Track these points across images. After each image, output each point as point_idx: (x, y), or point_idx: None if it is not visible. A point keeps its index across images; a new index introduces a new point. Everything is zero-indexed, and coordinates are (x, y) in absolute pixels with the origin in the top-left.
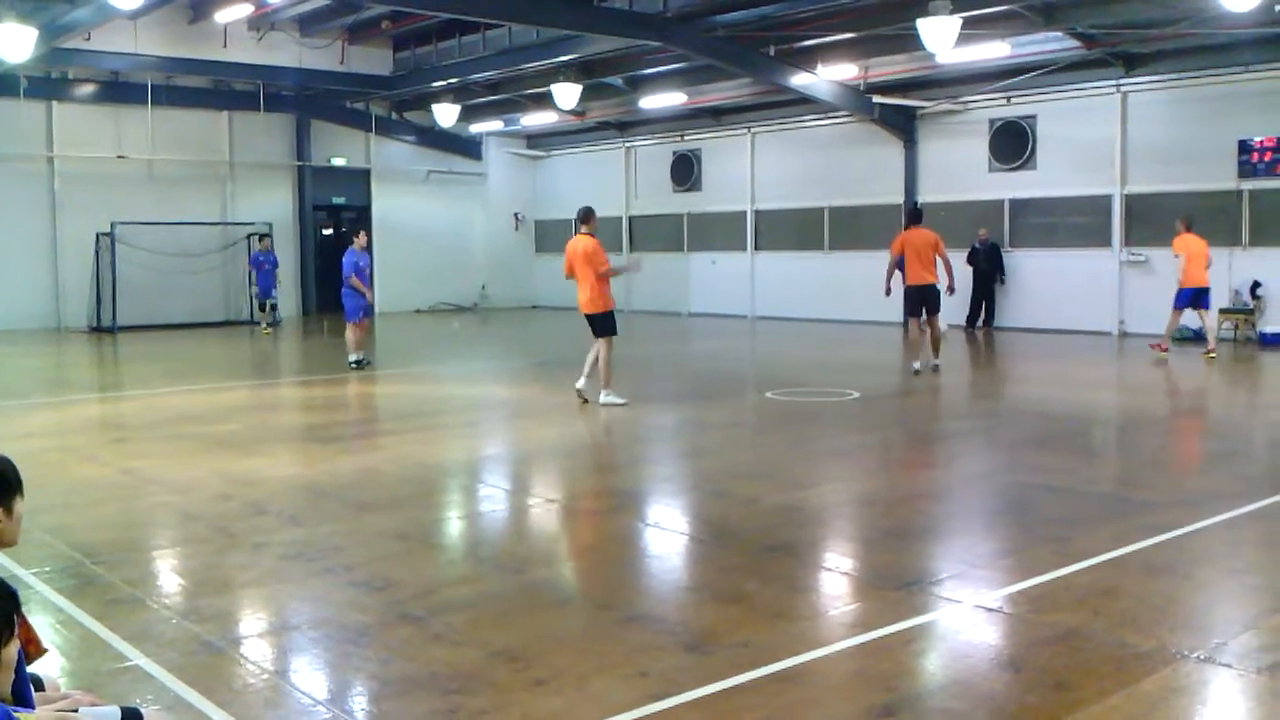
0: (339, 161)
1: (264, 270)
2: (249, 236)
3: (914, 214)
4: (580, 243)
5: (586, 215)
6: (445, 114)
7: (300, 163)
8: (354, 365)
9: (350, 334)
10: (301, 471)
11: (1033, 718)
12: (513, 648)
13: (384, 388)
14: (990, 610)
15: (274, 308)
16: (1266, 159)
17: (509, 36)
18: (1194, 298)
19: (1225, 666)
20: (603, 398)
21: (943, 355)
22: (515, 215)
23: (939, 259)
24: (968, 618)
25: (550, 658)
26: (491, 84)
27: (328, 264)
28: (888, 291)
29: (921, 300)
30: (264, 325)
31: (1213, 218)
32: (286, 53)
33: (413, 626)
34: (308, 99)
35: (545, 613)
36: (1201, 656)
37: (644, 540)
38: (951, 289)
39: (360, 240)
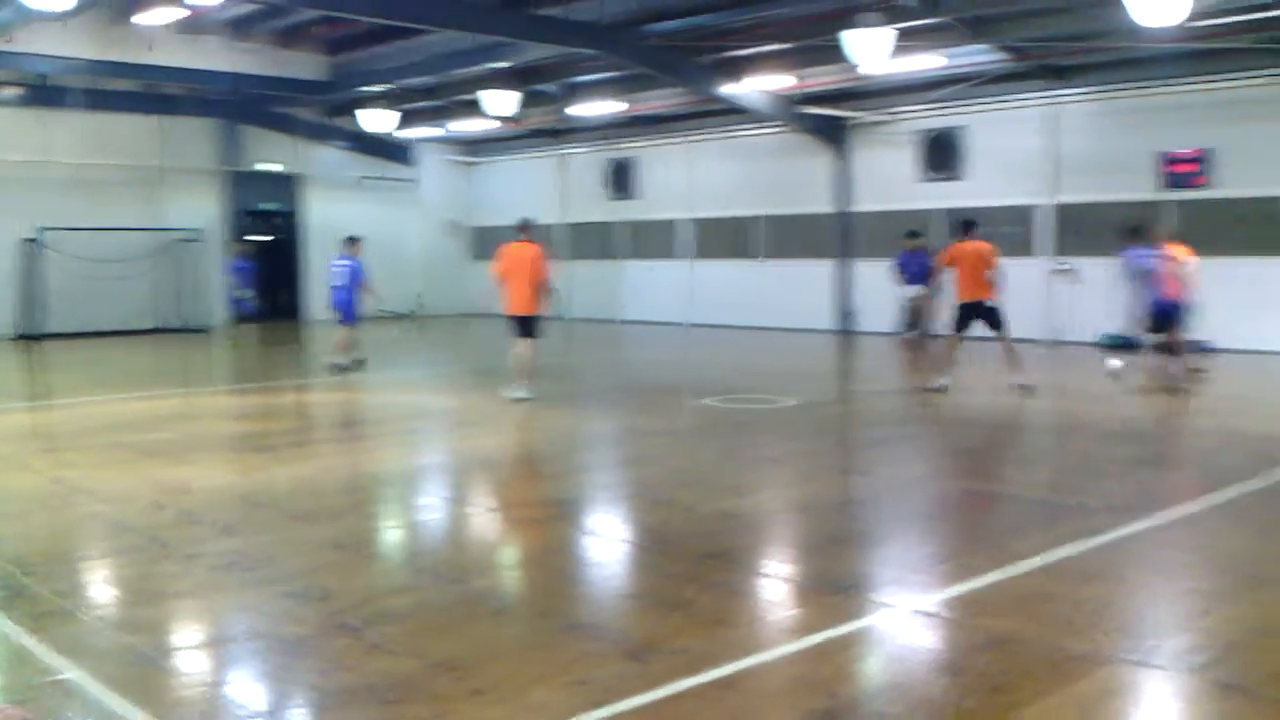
0: (270, 167)
1: (242, 276)
2: (183, 241)
3: (966, 225)
4: (525, 249)
5: (526, 225)
6: (378, 119)
7: (231, 168)
8: (346, 368)
9: (351, 335)
10: (237, 481)
11: None
12: (452, 657)
13: (321, 395)
14: (928, 615)
15: (247, 317)
16: (1187, 170)
17: (443, 42)
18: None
19: (1158, 668)
20: (517, 392)
21: (884, 367)
22: (450, 222)
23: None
24: (905, 622)
25: (490, 667)
26: (426, 90)
27: (261, 269)
28: (933, 303)
29: (973, 317)
30: (244, 336)
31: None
32: (217, 57)
33: (350, 637)
34: (239, 103)
35: (485, 622)
36: (1135, 659)
37: (583, 548)
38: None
39: (353, 248)
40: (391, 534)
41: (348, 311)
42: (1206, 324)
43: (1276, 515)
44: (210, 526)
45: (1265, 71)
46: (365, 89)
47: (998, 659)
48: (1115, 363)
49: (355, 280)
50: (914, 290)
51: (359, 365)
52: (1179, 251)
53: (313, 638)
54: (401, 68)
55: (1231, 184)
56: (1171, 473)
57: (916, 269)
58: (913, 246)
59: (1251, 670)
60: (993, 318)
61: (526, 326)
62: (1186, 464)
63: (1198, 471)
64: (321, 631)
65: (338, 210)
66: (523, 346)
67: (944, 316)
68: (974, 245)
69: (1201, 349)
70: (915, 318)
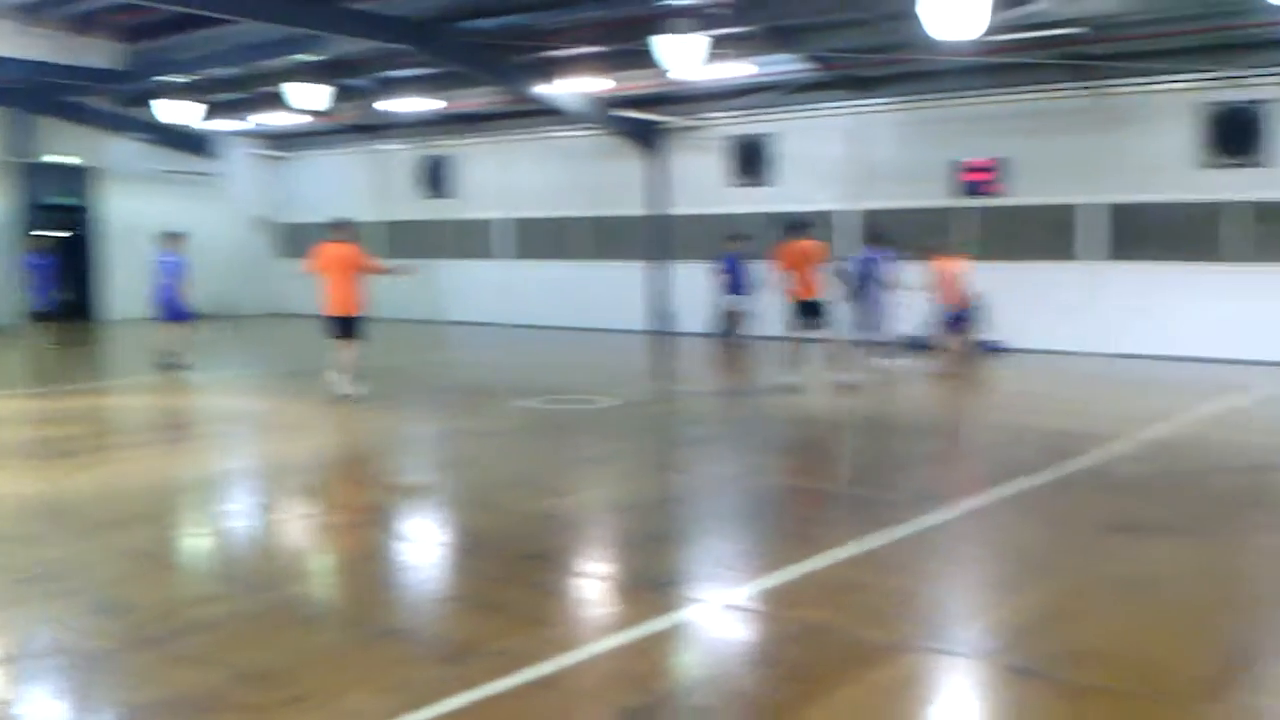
0: (63, 159)
1: (40, 273)
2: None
3: (795, 227)
4: (341, 249)
5: (341, 224)
6: (181, 111)
7: (21, 159)
8: (171, 367)
9: (177, 334)
10: (38, 488)
11: (780, 711)
12: (263, 667)
13: (127, 399)
14: (740, 609)
15: (45, 315)
16: (980, 179)
17: (249, 32)
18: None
19: (953, 655)
20: (347, 388)
21: (701, 367)
22: (258, 218)
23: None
24: (719, 616)
25: (303, 675)
26: (232, 81)
27: (58, 266)
28: (782, 301)
29: (808, 314)
30: (50, 337)
31: (934, 234)
32: (8, 43)
33: (156, 649)
34: (29, 92)
35: (298, 630)
36: (935, 646)
37: (401, 552)
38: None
39: (177, 243)
40: (201, 542)
41: (174, 309)
42: (1001, 325)
43: (1062, 507)
44: (8, 538)
45: (1056, 85)
46: (166, 79)
47: (807, 649)
48: (895, 362)
49: (181, 277)
50: (731, 300)
51: (186, 367)
52: (952, 262)
53: (117, 651)
54: (205, 58)
55: (1024, 192)
56: (968, 467)
57: (737, 275)
58: (734, 250)
59: (1040, 654)
60: (820, 315)
61: (347, 327)
62: (982, 459)
63: (992, 466)
64: (126, 644)
65: (138, 205)
66: (345, 348)
67: (775, 318)
68: (803, 245)
69: (994, 349)
70: (731, 323)
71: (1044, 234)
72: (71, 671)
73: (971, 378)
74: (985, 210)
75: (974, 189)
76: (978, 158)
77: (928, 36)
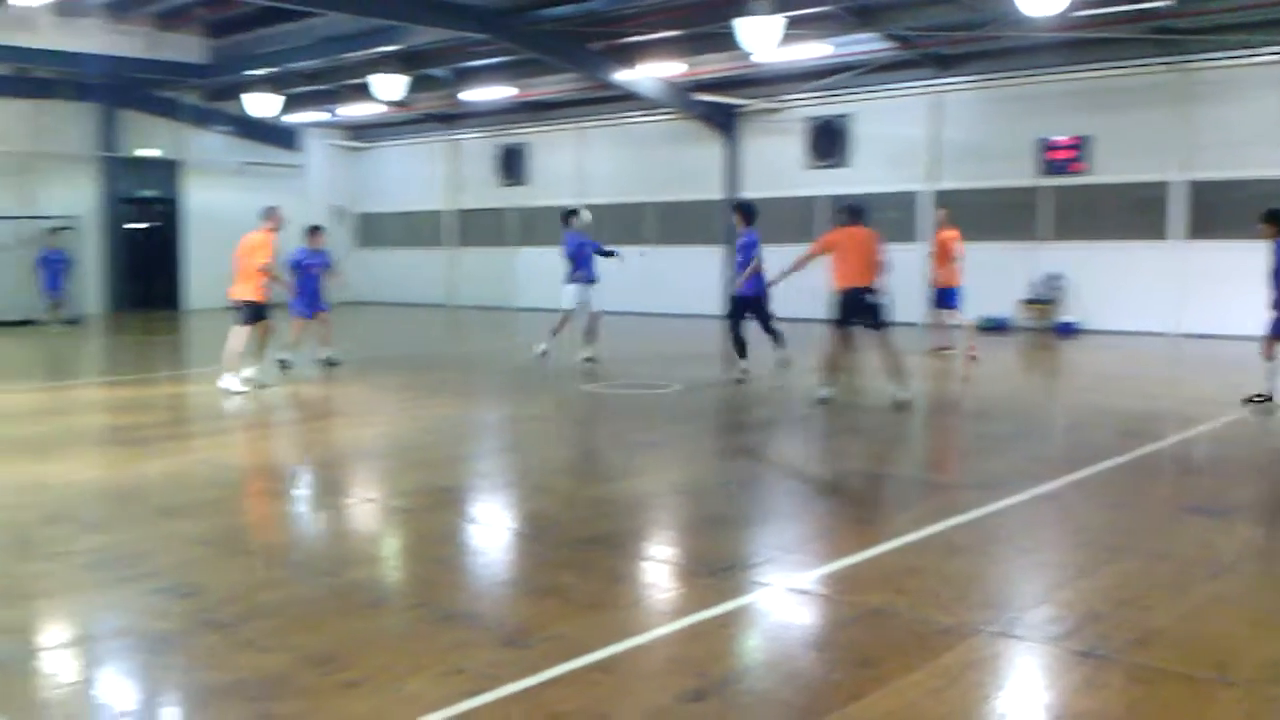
0: (149, 152)
1: (52, 267)
2: (56, 229)
3: (853, 211)
4: (250, 237)
5: (267, 213)
6: (262, 104)
7: (108, 154)
8: (327, 363)
9: (306, 329)
10: (105, 475)
11: (838, 694)
12: (324, 651)
13: (194, 388)
14: (801, 592)
15: (59, 306)
16: (1065, 157)
17: (330, 25)
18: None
19: (1018, 639)
20: (223, 381)
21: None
22: (336, 208)
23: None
24: (779, 600)
25: (363, 659)
26: (311, 74)
27: (136, 259)
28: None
29: (856, 309)
30: (53, 325)
31: (1016, 213)
32: (95, 39)
33: (219, 633)
34: (117, 87)
35: (358, 614)
36: (997, 630)
37: (461, 537)
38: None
39: (316, 239)
40: (265, 527)
41: (312, 302)
42: (1082, 306)
43: (1136, 489)
44: (77, 523)
45: (1141, 60)
46: (248, 73)
47: (867, 633)
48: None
49: (325, 268)
50: (577, 290)
51: (321, 360)
52: (948, 237)
53: (181, 635)
54: (286, 51)
55: (1107, 170)
56: (1041, 450)
57: (584, 260)
58: (580, 228)
59: (1107, 639)
60: (874, 314)
61: (248, 313)
62: (1056, 442)
63: (1066, 449)
64: (190, 628)
65: (219, 197)
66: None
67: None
68: (860, 230)
69: (1071, 330)
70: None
71: (1127, 213)
72: (139, 654)
73: (1046, 358)
74: (1067, 189)
75: (1057, 167)
76: (1060, 136)
77: (1011, 12)
